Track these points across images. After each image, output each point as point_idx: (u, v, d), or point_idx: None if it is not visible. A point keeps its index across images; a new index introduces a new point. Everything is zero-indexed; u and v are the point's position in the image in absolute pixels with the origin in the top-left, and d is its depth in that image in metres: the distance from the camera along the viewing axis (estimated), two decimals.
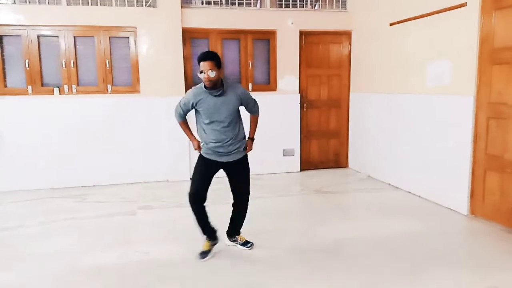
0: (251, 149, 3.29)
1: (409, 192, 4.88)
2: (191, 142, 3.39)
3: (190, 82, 5.71)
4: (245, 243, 3.34)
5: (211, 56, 2.89)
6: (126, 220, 4.10)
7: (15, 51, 5.18)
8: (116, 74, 5.48)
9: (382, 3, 5.33)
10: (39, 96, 5.22)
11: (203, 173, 3.14)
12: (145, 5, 5.38)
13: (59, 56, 5.27)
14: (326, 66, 6.18)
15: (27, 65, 5.18)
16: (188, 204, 3.16)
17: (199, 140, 3.20)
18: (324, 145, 6.35)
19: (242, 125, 3.19)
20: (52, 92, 5.26)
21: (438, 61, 4.33)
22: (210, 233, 3.24)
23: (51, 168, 5.28)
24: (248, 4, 5.78)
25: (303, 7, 5.95)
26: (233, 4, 5.74)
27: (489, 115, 3.77)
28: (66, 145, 5.30)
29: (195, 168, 3.19)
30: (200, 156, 3.18)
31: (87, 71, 5.39)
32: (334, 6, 6.04)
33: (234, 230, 3.38)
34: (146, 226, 3.97)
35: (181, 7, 5.44)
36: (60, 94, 5.28)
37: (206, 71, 2.84)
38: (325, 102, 6.26)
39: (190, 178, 3.22)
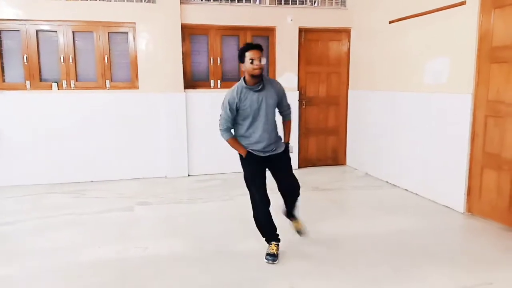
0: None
1: (407, 190, 4.89)
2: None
3: (189, 78, 5.71)
4: (298, 231, 3.35)
5: (260, 46, 2.88)
6: (124, 216, 4.10)
7: (14, 46, 5.17)
8: (115, 70, 5.47)
9: (381, 0, 5.33)
10: (37, 91, 5.21)
11: (259, 175, 3.02)
12: (145, 1, 5.37)
13: (58, 52, 5.26)
14: (325, 63, 6.18)
15: (25, 60, 5.16)
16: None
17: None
18: (322, 143, 6.36)
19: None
20: (50, 87, 5.25)
21: (436, 59, 4.33)
22: (276, 234, 3.12)
23: (49, 164, 5.28)
24: (248, 0, 5.77)
25: (303, 4, 5.95)
26: (232, 0, 5.73)
27: (487, 113, 3.78)
28: (64, 141, 5.30)
29: (248, 174, 3.05)
30: (247, 159, 3.02)
31: (85, 67, 5.38)
32: (333, 3, 6.04)
33: (289, 214, 3.34)
34: (144, 222, 3.98)
35: (180, 3, 5.43)
36: (58, 89, 5.27)
37: (257, 58, 2.80)
38: (324, 99, 6.26)
39: (250, 191, 3.05)
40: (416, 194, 4.72)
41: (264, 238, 3.13)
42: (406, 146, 4.89)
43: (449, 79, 4.17)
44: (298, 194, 3.20)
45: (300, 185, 3.18)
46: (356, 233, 3.61)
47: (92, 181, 5.41)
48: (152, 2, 5.37)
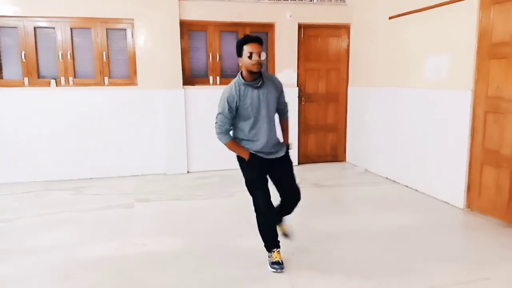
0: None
1: (406, 186, 4.89)
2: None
3: (187, 75, 5.69)
4: (285, 234, 3.14)
5: (259, 39, 2.64)
6: (123, 213, 4.10)
7: (11, 42, 5.14)
8: (113, 66, 5.45)
9: None
10: (35, 88, 5.19)
11: (263, 179, 2.82)
12: None
13: (56, 48, 5.24)
14: (324, 59, 6.16)
15: (23, 57, 5.14)
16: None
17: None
18: (322, 139, 6.35)
19: None
20: (48, 84, 5.23)
21: (436, 55, 4.32)
22: (277, 241, 2.91)
23: (48, 161, 5.27)
24: None
25: None
26: None
27: (486, 109, 3.77)
28: (62, 137, 5.28)
29: (252, 177, 2.82)
30: (250, 161, 2.78)
31: (84, 63, 5.36)
32: None
33: (280, 219, 3.14)
34: (144, 219, 3.97)
35: None
36: (56, 86, 5.25)
37: (257, 53, 2.56)
38: (323, 96, 6.25)
39: (254, 196, 2.83)
40: (416, 190, 4.72)
41: (265, 245, 2.90)
42: (406, 142, 4.88)
43: (449, 75, 4.15)
44: (299, 199, 2.94)
45: (300, 192, 2.94)
46: (356, 229, 3.61)
47: (91, 178, 5.41)
48: None
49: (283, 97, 2.92)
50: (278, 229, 3.04)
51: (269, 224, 2.86)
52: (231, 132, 2.82)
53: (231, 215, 3.98)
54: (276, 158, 2.83)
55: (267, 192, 2.80)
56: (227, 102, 2.66)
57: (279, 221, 3.13)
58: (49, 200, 4.51)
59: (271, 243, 2.87)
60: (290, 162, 2.94)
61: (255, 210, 2.83)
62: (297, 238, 3.40)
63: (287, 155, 2.92)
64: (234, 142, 2.79)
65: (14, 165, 5.19)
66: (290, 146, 2.95)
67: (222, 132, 2.75)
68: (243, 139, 2.79)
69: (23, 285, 2.71)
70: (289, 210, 3.04)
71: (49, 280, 2.76)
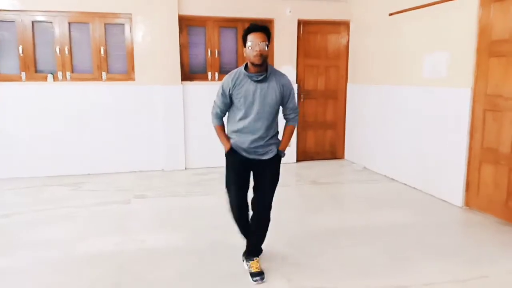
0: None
1: (405, 184, 4.89)
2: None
3: (186, 70, 5.67)
4: (254, 274, 2.66)
5: (264, 28, 2.46)
6: (121, 209, 4.08)
7: (9, 36, 5.10)
8: (111, 61, 5.42)
9: None
10: (32, 82, 5.15)
11: (239, 179, 2.67)
12: None
13: (53, 43, 5.20)
14: (323, 56, 6.14)
15: (20, 51, 5.10)
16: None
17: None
18: (320, 136, 6.34)
19: (277, 125, 2.71)
20: (46, 79, 5.19)
21: (436, 53, 4.31)
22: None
23: (45, 156, 5.24)
24: None
25: None
26: None
27: (485, 107, 3.77)
28: (60, 133, 5.25)
29: (228, 175, 2.72)
30: (229, 156, 2.67)
31: (81, 58, 5.32)
32: None
33: (247, 250, 2.83)
34: (142, 215, 3.96)
35: None
36: (54, 81, 5.21)
37: (258, 43, 2.41)
38: (322, 93, 6.23)
39: (228, 195, 2.76)
40: (414, 188, 4.72)
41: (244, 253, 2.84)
42: (405, 140, 4.88)
43: (448, 73, 4.15)
44: (264, 218, 2.69)
45: (270, 208, 2.69)
46: (354, 227, 3.61)
47: (89, 174, 5.38)
48: None
49: (292, 102, 2.69)
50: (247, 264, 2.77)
51: (240, 226, 2.83)
52: (225, 119, 2.72)
53: (228, 211, 3.96)
54: (261, 160, 2.62)
55: (240, 196, 2.67)
56: (222, 87, 2.59)
57: (245, 254, 2.84)
58: (47, 196, 4.48)
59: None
60: (273, 170, 2.67)
61: (230, 210, 2.79)
62: (294, 234, 3.40)
63: (274, 160, 2.65)
64: (221, 129, 2.71)
65: (12, 160, 5.16)
66: (281, 153, 2.68)
67: (213, 114, 2.70)
68: (232, 126, 2.65)
69: (23, 279, 2.70)
70: (253, 232, 2.76)
71: (49, 275, 2.75)
